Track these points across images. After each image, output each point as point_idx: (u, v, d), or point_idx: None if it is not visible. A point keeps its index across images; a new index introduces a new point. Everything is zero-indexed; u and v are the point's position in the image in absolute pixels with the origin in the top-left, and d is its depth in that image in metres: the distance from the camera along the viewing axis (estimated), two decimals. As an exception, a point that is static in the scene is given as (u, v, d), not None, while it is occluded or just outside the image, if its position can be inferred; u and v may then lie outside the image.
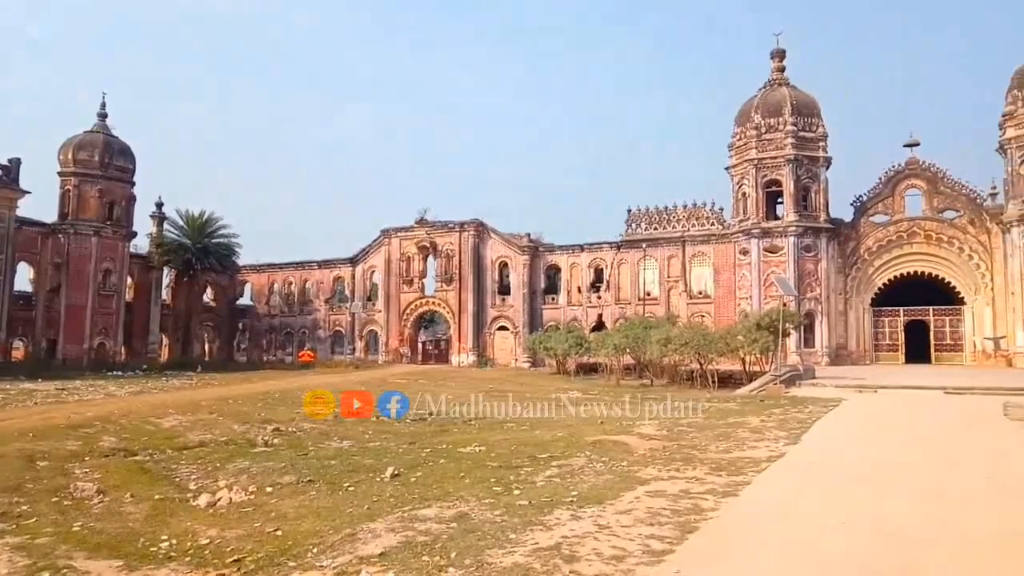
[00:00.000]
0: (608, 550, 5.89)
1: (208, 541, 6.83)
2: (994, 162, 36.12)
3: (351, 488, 8.91)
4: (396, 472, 9.68)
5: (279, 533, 6.99)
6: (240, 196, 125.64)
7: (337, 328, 49.74)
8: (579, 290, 44.37)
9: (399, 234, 47.40)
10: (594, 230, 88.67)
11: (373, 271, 49.07)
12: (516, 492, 8.34)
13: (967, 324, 36.70)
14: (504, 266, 45.73)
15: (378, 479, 9.39)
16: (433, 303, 46.92)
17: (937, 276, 37.30)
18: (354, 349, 47.99)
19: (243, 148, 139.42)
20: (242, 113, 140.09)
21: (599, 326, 41.60)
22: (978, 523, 6.88)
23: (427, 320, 53.41)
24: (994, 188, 37.54)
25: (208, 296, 52.03)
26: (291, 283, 51.74)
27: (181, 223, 47.45)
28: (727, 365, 28.71)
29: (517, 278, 44.97)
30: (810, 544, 6.17)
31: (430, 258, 47.06)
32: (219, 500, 8.50)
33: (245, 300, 53.35)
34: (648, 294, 42.18)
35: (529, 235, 45.48)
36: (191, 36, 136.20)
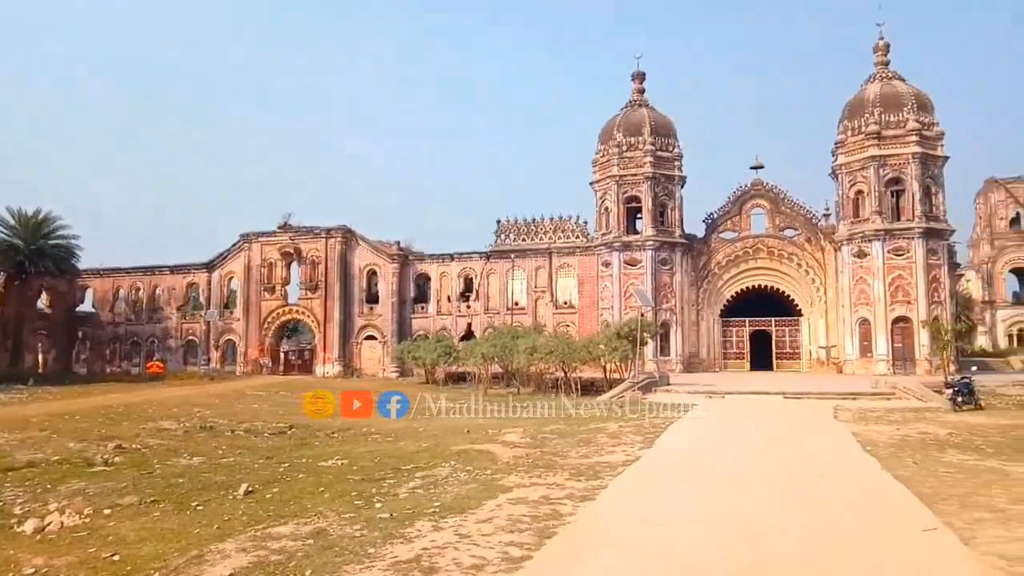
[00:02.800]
0: (468, 559, 5.91)
1: (34, 571, 6.22)
2: (829, 185, 39.73)
3: (200, 507, 8.41)
4: (250, 489, 9.25)
5: (116, 558, 6.47)
6: (94, 200, 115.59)
7: (190, 337, 46.91)
8: (449, 299, 44.36)
9: (261, 239, 45.45)
10: (464, 240, 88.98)
11: (231, 277, 46.72)
12: (378, 505, 8.20)
13: (804, 334, 39.99)
14: (373, 274, 44.96)
15: (230, 497, 8.93)
16: (297, 311, 45.33)
17: (778, 289, 40.43)
18: (209, 360, 45.40)
19: (101, 150, 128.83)
20: (94, 112, 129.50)
21: (468, 335, 41.78)
22: (816, 516, 7.51)
23: (290, 329, 51.55)
24: (827, 209, 41.26)
25: (43, 302, 47.62)
26: (139, 289, 48.29)
27: (12, 222, 43.11)
28: (590, 373, 29.70)
29: (386, 286, 44.34)
30: (663, 543, 6.48)
31: (294, 265, 45.40)
32: (48, 525, 7.76)
33: (86, 307, 49.20)
34: (516, 304, 42.86)
35: (399, 243, 45.01)
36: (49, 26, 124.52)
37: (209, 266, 46.83)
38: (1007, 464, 10.43)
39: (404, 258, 44.58)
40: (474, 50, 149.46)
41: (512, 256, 42.94)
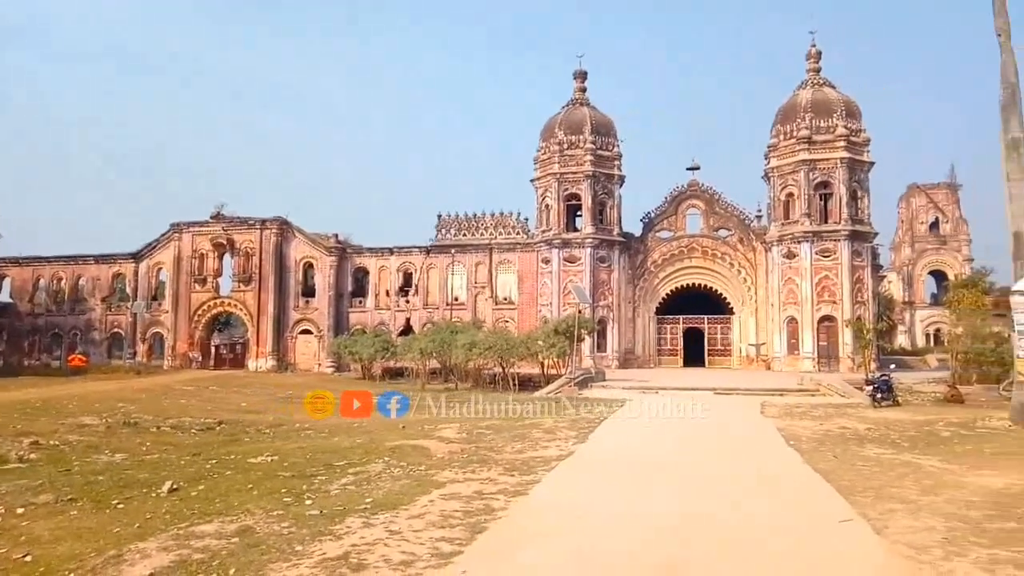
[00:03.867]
0: (397, 555, 5.87)
1: (-64, 575, 5.89)
2: (762, 188, 40.94)
3: (120, 505, 8.10)
4: (175, 486, 8.95)
5: (28, 559, 6.18)
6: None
7: (116, 330, 45.22)
8: (388, 293, 43.95)
9: (192, 229, 44.10)
10: (404, 234, 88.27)
11: (160, 268, 45.22)
12: (308, 502, 8.06)
13: (735, 332, 41.16)
14: (309, 267, 44.16)
15: (153, 495, 8.63)
16: (229, 304, 44.17)
17: (712, 288, 41.48)
18: (135, 353, 43.79)
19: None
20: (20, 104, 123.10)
21: (407, 330, 41.49)
22: (739, 509, 7.73)
23: (222, 322, 50.24)
24: (759, 211, 42.52)
25: (-46, 292, 45.13)
26: (61, 279, 46.27)
27: (-80, 206, 40.71)
28: (528, 369, 29.85)
29: (323, 280, 43.62)
30: (593, 538, 6.57)
31: (227, 256, 44.25)
32: (-46, 526, 7.35)
33: (3, 297, 46.83)
34: (456, 299, 42.77)
35: (337, 236, 44.33)
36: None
37: (136, 256, 45.21)
38: (919, 458, 10.95)
39: (342, 251, 43.94)
40: (416, 44, 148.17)
41: (452, 251, 42.82)
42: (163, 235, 44.81)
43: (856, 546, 6.28)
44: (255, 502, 8.10)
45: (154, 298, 45.26)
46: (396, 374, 34.87)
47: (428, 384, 30.22)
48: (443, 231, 44.16)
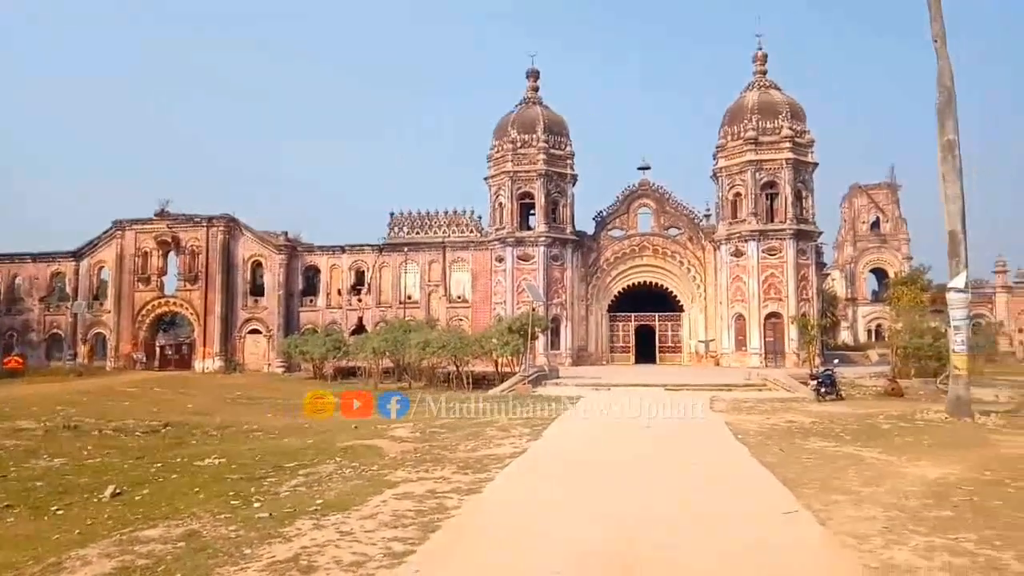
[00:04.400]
0: (348, 556, 5.81)
1: None
2: (711, 187, 41.69)
3: (60, 512, 7.84)
4: (117, 491, 8.71)
5: (-41, 571, 5.93)
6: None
7: (55, 330, 43.59)
8: (339, 292, 43.38)
9: (135, 227, 42.78)
10: (356, 232, 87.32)
11: (102, 267, 43.77)
12: (256, 504, 7.92)
13: (685, 329, 41.84)
14: (258, 265, 43.26)
15: (95, 500, 8.37)
16: (174, 304, 42.98)
17: (662, 286, 42.08)
18: (76, 355, 42.22)
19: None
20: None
21: (359, 329, 41.02)
22: (688, 503, 7.87)
23: (167, 322, 48.92)
24: (708, 210, 43.27)
25: None
26: (-5, 278, 44.36)
27: None
28: (482, 367, 29.83)
29: (272, 278, 42.79)
30: (545, 534, 6.60)
31: (172, 254, 43.05)
32: None
33: (-68, 297, 44.69)
34: (409, 298, 42.48)
35: (286, 233, 43.54)
36: None
37: (77, 255, 43.66)
38: (861, 450, 11.31)
39: (292, 249, 43.19)
40: (372, 35, 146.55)
41: (405, 249, 42.53)
42: (105, 233, 43.36)
43: (801, 537, 6.45)
44: (202, 505, 7.93)
45: (95, 298, 43.78)
46: (348, 374, 34.46)
47: (381, 383, 29.94)
48: (396, 229, 43.83)
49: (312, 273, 44.05)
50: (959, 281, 15.96)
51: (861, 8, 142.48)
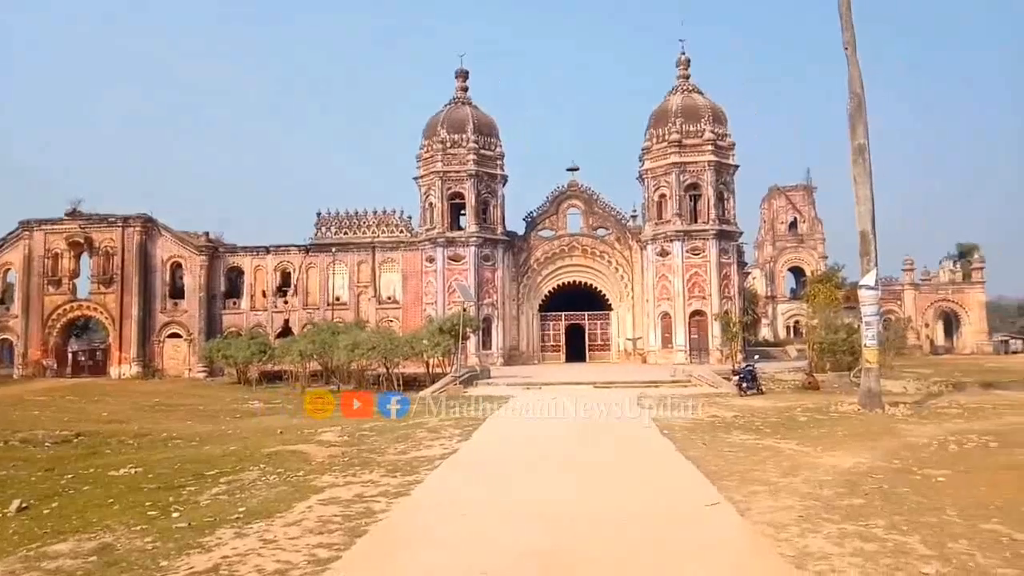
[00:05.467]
0: (271, 565, 5.66)
1: None
2: (638, 189, 42.53)
3: (-42, 530, 7.35)
4: (24, 504, 8.23)
5: None
6: None
7: (-44, 337, 40.96)
8: (264, 294, 42.29)
9: (44, 227, 40.60)
10: (282, 235, 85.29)
11: (8, 269, 41.33)
12: (175, 515, 7.61)
13: (614, 327, 42.56)
14: (178, 267, 41.70)
15: (-2, 515, 7.90)
16: (88, 307, 40.99)
17: (592, 285, 42.69)
18: (-21, 362, 39.84)
19: None
20: None
21: (286, 332, 40.07)
22: (615, 498, 7.99)
23: (80, 327, 46.55)
24: (635, 211, 44.15)
25: None
26: None
27: None
28: (413, 368, 29.56)
29: (193, 280, 41.31)
30: (475, 535, 6.59)
31: (84, 256, 41.03)
32: None
33: None
34: (338, 299, 41.75)
35: (208, 234, 42.14)
36: None
37: (-21, 257, 41.12)
38: (780, 442, 11.74)
39: (214, 250, 41.82)
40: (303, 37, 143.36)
41: (334, 250, 41.77)
42: (11, 234, 40.95)
43: (722, 528, 6.65)
44: (116, 517, 7.58)
45: (1, 302, 41.35)
46: (274, 378, 33.56)
47: (308, 387, 29.28)
48: (323, 229, 42.98)
49: (235, 275, 42.80)
50: (870, 279, 16.78)
51: (779, 20, 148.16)
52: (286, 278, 42.48)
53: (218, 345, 36.55)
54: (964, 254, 57.29)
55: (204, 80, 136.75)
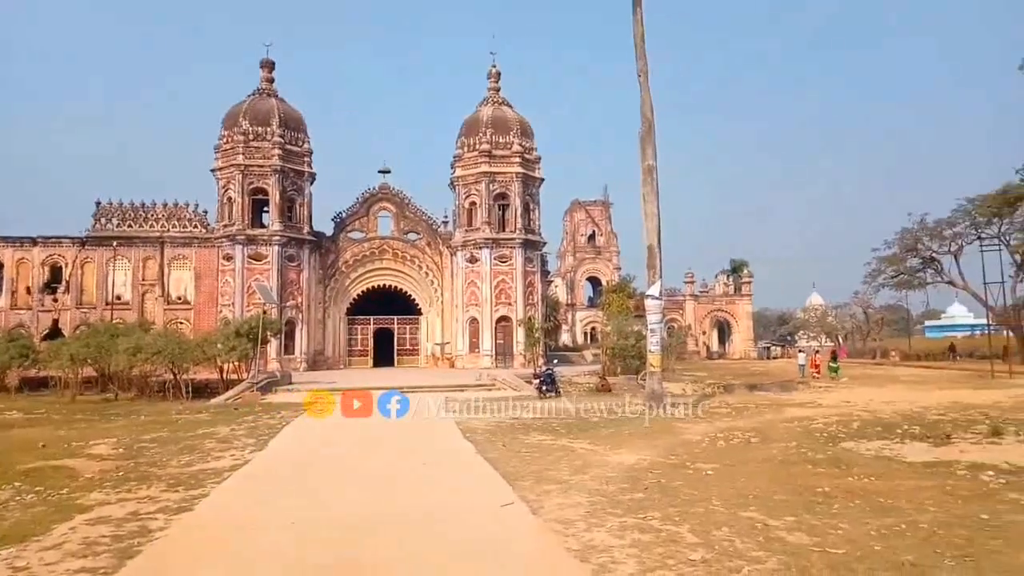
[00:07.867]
0: (21, 597, 5.00)
1: None
2: (449, 195, 43.00)
3: None
4: None
5: None
6: None
7: None
8: (29, 291, 37.44)
9: None
10: (53, 223, 76.11)
11: None
12: None
13: (423, 332, 42.70)
14: (-85, 257, 35.75)
15: None
16: None
17: (402, 289, 42.54)
18: None
19: None
20: None
21: (55, 333, 35.74)
22: (413, 504, 7.96)
23: None
24: (446, 217, 44.60)
25: None
26: None
27: None
28: (205, 374, 27.59)
29: (-64, 273, 35.61)
30: (266, 549, 6.24)
31: None
32: None
33: None
34: (119, 298, 37.99)
35: (-43, 220, 36.54)
36: None
37: None
38: (573, 442, 12.39)
39: (-35, 239, 36.34)
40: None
41: (115, 244, 37.95)
42: None
43: (514, 527, 6.88)
44: None
45: None
46: (39, 384, 29.73)
47: (81, 395, 26.29)
48: (103, 221, 38.85)
49: (-7, 268, 37.48)
50: (655, 289, 18.26)
51: (581, 43, 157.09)
52: (56, 273, 37.94)
53: (-32, 348, 31.70)
54: (736, 269, 64.18)
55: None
